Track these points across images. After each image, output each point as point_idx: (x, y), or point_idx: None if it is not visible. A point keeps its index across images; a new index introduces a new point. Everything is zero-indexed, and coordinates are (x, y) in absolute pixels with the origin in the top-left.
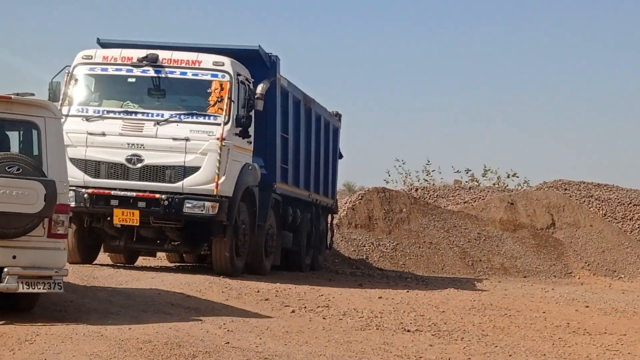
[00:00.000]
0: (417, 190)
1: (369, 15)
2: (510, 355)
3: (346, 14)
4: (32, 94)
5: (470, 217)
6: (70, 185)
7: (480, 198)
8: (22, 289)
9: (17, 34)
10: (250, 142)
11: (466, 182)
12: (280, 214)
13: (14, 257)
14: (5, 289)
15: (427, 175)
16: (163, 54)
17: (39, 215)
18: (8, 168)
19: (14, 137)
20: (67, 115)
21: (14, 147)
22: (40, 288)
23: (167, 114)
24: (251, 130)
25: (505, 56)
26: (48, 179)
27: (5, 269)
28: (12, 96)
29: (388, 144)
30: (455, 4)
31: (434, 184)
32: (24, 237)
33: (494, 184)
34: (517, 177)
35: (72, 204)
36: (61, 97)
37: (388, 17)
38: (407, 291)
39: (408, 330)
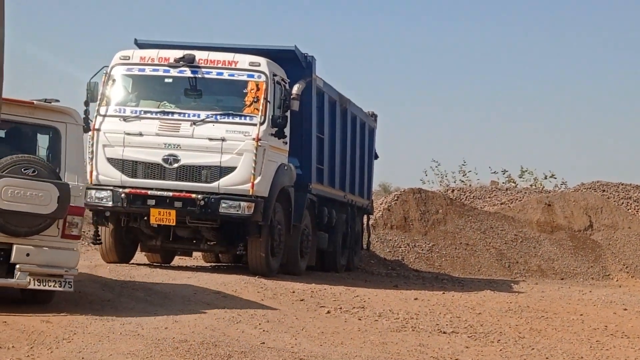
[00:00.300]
0: (453, 191)
1: (404, 14)
2: (547, 358)
3: (382, 12)
4: (57, 100)
5: (507, 219)
6: (108, 185)
7: (517, 199)
8: (33, 285)
9: (56, 34)
10: (286, 143)
11: (503, 183)
12: (316, 215)
13: (28, 254)
14: (15, 285)
15: (463, 176)
16: (200, 55)
17: (52, 216)
18: (24, 170)
19: (36, 140)
20: (104, 116)
21: (36, 150)
22: (50, 286)
23: (203, 114)
24: (287, 130)
25: (544, 55)
26: (62, 182)
27: (18, 266)
28: (35, 101)
29: (424, 145)
30: (492, 3)
31: (470, 185)
32: (38, 236)
33: (531, 185)
34: (555, 178)
35: (110, 204)
36: (99, 98)
37: (423, 16)
38: (443, 293)
39: (444, 332)
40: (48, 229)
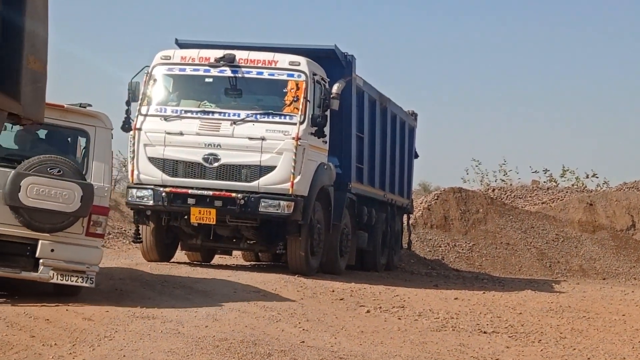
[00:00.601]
0: (494, 190)
1: (444, 12)
2: (588, 359)
3: (422, 10)
4: (90, 105)
5: (548, 218)
6: (149, 184)
7: (558, 199)
8: (56, 279)
9: (98, 33)
10: (326, 142)
11: (544, 182)
12: (355, 214)
13: (52, 250)
14: (38, 278)
15: (504, 175)
16: (240, 54)
17: (75, 214)
18: (50, 169)
19: (67, 142)
20: (145, 115)
21: (67, 151)
22: (73, 281)
23: (243, 113)
24: (326, 129)
25: (587, 55)
26: (86, 182)
27: (41, 260)
28: (66, 105)
29: (465, 143)
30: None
31: (511, 184)
32: (63, 233)
33: (572, 185)
34: (597, 177)
35: (151, 203)
36: (140, 97)
37: (462, 14)
38: (484, 292)
39: (484, 332)
40: (73, 227)
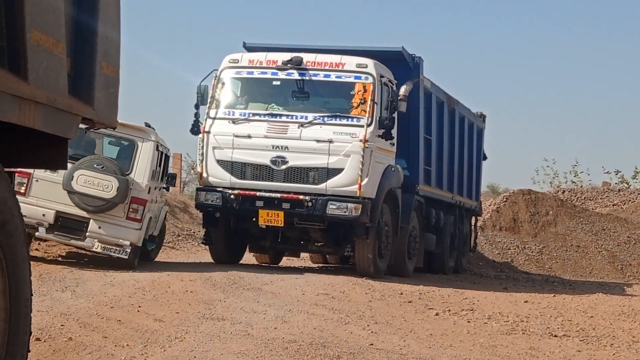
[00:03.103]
0: (563, 192)
1: (512, 12)
2: None
3: (490, 12)
4: (149, 125)
5: (619, 220)
6: (218, 187)
7: (630, 200)
8: (97, 249)
9: (167, 38)
10: (393, 144)
11: (615, 184)
12: (423, 216)
13: (99, 227)
14: (84, 246)
15: (574, 176)
16: (307, 57)
17: (112, 200)
18: (96, 165)
19: (121, 148)
20: (214, 118)
21: (118, 155)
22: (111, 252)
23: (310, 116)
24: (394, 132)
25: None
26: (122, 177)
27: (88, 233)
28: (121, 121)
29: (534, 145)
30: (605, 3)
31: (581, 186)
32: (108, 215)
33: None
34: None
35: (219, 205)
36: (209, 101)
37: (531, 14)
38: (554, 295)
39: (555, 336)
40: (116, 212)
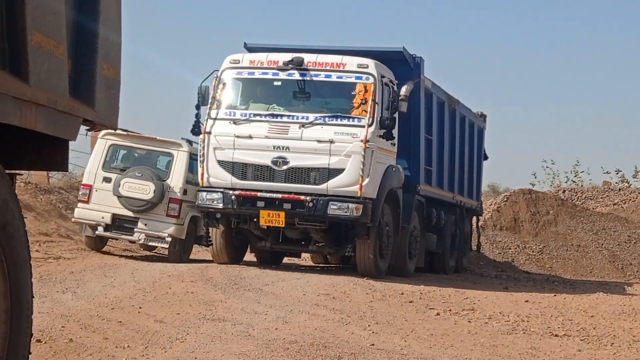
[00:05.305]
0: (564, 191)
1: (512, 12)
2: None
3: (490, 11)
4: (185, 139)
5: (620, 220)
6: (218, 187)
7: (630, 200)
8: (142, 241)
9: (168, 39)
10: (394, 144)
11: (616, 183)
12: (424, 216)
13: (145, 224)
14: (133, 240)
15: (575, 176)
16: (308, 57)
17: (150, 201)
18: (137, 174)
19: (159, 159)
20: (215, 119)
21: (156, 165)
22: (155, 243)
23: (311, 116)
24: (395, 132)
25: None
26: (158, 182)
27: (136, 228)
28: (157, 137)
29: (534, 145)
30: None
31: (582, 186)
32: (152, 213)
33: None
34: None
35: (220, 206)
36: (210, 101)
37: (533, 14)
38: (555, 295)
39: (556, 335)
40: (158, 210)
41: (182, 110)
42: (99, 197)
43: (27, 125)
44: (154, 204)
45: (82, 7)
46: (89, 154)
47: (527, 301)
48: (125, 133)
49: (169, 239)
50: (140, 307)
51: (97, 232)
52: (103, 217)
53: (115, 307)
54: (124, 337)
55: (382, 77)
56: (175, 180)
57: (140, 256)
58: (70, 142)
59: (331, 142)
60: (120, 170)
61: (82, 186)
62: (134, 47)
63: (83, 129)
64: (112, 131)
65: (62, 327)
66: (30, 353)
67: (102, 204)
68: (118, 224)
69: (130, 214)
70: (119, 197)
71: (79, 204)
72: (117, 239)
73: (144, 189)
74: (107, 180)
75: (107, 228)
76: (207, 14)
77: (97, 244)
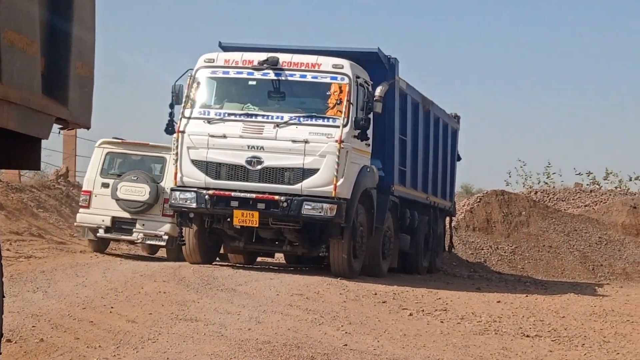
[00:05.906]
0: (536, 193)
1: (485, 15)
2: None
3: (463, 12)
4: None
5: (591, 221)
6: (192, 187)
7: (601, 201)
8: (141, 240)
9: (142, 38)
10: (369, 145)
11: (587, 185)
12: (398, 217)
13: (143, 225)
14: (132, 240)
15: (547, 177)
16: (283, 57)
17: (146, 202)
18: (132, 177)
19: (152, 163)
20: (189, 118)
21: (150, 169)
22: (152, 241)
23: (286, 116)
24: (369, 132)
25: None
26: (152, 184)
27: (134, 229)
28: (150, 142)
29: (507, 146)
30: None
31: (554, 187)
32: (148, 214)
33: (615, 187)
34: None
35: (194, 205)
36: (184, 100)
37: (506, 17)
38: (526, 295)
39: (527, 336)
40: (154, 211)
41: (156, 109)
42: (99, 201)
43: None
44: (150, 205)
45: (55, 5)
46: (62, 152)
47: (499, 302)
48: (119, 141)
49: (166, 237)
50: (112, 307)
51: (98, 234)
52: (103, 220)
53: (87, 306)
54: (95, 337)
55: (357, 77)
56: (169, 182)
57: (118, 254)
58: (42, 141)
59: (306, 142)
60: (117, 175)
61: (82, 193)
62: (110, 45)
63: (56, 127)
64: (108, 140)
65: (33, 326)
66: (0, 353)
67: (101, 208)
68: (118, 225)
69: (128, 215)
70: (117, 200)
71: (80, 210)
72: (117, 240)
73: (140, 191)
74: (105, 185)
75: (107, 230)
76: (182, 13)
77: (101, 247)
